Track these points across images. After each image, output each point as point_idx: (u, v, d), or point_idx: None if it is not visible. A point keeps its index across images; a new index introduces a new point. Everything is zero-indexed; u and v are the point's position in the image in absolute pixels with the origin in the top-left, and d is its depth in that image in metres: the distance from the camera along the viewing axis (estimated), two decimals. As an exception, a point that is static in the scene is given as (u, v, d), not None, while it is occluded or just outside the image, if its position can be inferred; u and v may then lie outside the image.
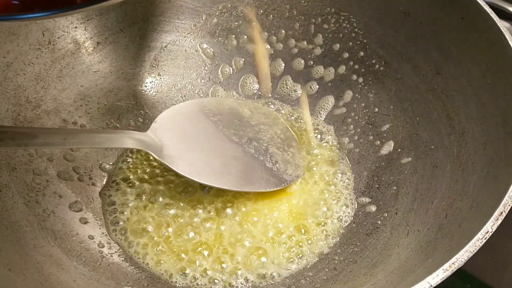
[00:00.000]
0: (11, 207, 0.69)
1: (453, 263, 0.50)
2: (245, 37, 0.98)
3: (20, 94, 0.79)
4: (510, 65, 0.68)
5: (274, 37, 0.97)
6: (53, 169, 0.80)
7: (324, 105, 0.95)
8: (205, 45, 0.98)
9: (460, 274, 0.80)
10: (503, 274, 0.84)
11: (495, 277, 0.84)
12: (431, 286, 0.48)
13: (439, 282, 0.49)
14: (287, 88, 0.98)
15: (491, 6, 0.72)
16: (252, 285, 0.73)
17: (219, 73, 0.99)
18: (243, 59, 0.99)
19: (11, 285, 0.53)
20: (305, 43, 0.96)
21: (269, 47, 0.97)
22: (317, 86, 0.96)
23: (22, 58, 0.80)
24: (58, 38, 0.86)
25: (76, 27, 0.87)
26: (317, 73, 0.96)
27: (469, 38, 0.75)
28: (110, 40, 0.91)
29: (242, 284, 0.73)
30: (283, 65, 0.98)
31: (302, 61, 0.96)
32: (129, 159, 0.88)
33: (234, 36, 0.98)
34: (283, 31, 0.96)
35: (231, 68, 0.99)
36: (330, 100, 0.94)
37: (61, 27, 0.86)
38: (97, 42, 0.90)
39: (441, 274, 0.49)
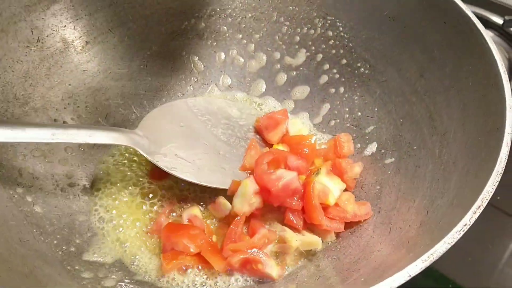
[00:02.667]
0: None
1: (431, 254, 0.51)
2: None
3: (8, 90, 0.79)
4: (491, 67, 0.70)
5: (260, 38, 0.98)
6: (40, 165, 0.80)
7: (310, 107, 0.97)
8: (194, 49, 1.00)
9: (440, 279, 0.82)
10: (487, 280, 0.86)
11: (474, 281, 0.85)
12: (410, 276, 0.49)
13: (418, 272, 0.50)
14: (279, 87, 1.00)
15: (476, 15, 0.74)
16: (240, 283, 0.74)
17: (207, 74, 1.00)
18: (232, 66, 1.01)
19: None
20: (290, 46, 0.98)
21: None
22: (305, 89, 0.97)
23: (10, 55, 0.81)
24: (47, 36, 0.86)
25: (65, 26, 0.88)
26: (301, 75, 0.98)
27: (452, 42, 0.77)
28: (98, 39, 0.92)
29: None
30: (270, 59, 1.00)
31: (284, 70, 0.98)
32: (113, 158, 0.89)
33: (222, 40, 1.00)
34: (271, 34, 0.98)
35: (218, 67, 1.01)
36: (316, 102, 0.96)
37: (50, 25, 0.86)
38: (86, 42, 0.91)
39: (420, 264, 0.50)
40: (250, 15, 0.98)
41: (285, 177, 0.76)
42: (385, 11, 0.85)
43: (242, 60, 1.02)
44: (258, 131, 0.94)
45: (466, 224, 0.53)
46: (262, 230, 0.75)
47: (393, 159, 0.81)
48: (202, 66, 1.01)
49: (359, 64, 0.91)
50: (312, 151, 0.86)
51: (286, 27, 0.97)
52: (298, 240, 0.75)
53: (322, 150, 0.88)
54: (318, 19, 0.94)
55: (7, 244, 0.64)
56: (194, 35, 0.99)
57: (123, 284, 0.71)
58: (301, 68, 0.98)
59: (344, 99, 0.93)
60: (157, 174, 0.84)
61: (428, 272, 0.51)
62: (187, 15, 0.97)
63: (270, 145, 0.90)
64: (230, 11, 0.98)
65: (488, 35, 0.72)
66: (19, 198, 0.73)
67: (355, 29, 0.91)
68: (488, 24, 1.21)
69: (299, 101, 0.99)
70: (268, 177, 0.76)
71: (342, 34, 0.92)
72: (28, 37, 0.83)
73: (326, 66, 0.96)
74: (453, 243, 0.52)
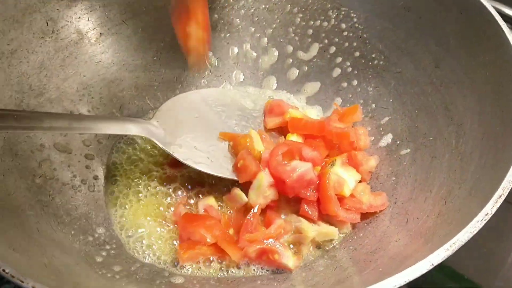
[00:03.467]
0: (14, 191, 0.70)
1: (453, 243, 0.51)
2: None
3: (24, 81, 0.80)
4: (507, 57, 0.69)
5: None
6: (58, 157, 0.80)
7: (323, 98, 0.97)
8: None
9: (452, 275, 0.82)
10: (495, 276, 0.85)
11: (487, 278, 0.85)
12: (433, 264, 0.49)
13: (440, 261, 0.50)
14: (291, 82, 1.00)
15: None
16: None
17: (220, 66, 1.00)
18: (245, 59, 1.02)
19: (16, 263, 0.53)
20: (303, 38, 0.97)
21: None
22: (319, 82, 0.97)
23: (26, 46, 0.81)
24: (62, 27, 0.86)
25: (79, 17, 0.88)
26: (314, 69, 0.97)
27: (468, 32, 0.76)
28: (112, 31, 0.92)
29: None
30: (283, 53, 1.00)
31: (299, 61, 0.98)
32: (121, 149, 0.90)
33: (235, 32, 1.00)
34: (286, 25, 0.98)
35: (231, 62, 1.01)
36: (329, 94, 0.96)
37: (64, 17, 0.86)
38: (100, 33, 0.91)
39: (443, 253, 0.50)
40: (263, 6, 0.98)
41: (300, 168, 0.76)
42: (400, 1, 0.85)
43: (255, 54, 1.01)
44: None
45: (487, 213, 0.53)
46: (278, 221, 0.75)
47: (408, 150, 0.81)
48: (215, 58, 1.01)
49: (373, 55, 0.90)
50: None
51: (299, 19, 0.97)
52: (314, 230, 0.75)
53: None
54: (332, 11, 0.94)
55: (26, 234, 0.65)
56: (207, 26, 0.99)
57: (139, 273, 0.71)
58: (314, 60, 0.98)
59: (359, 90, 0.92)
60: (173, 163, 0.84)
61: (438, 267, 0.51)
62: (201, 7, 0.97)
63: (284, 136, 0.90)
64: (243, 2, 0.98)
65: (505, 25, 0.71)
66: (37, 189, 0.73)
67: (369, 20, 0.91)
68: (503, 17, 1.20)
69: (311, 95, 0.98)
70: (283, 168, 0.76)
71: (357, 25, 0.92)
72: (43, 28, 0.84)
73: (339, 59, 0.95)
74: (475, 232, 0.52)
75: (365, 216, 0.77)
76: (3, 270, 0.49)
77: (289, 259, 0.72)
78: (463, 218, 0.58)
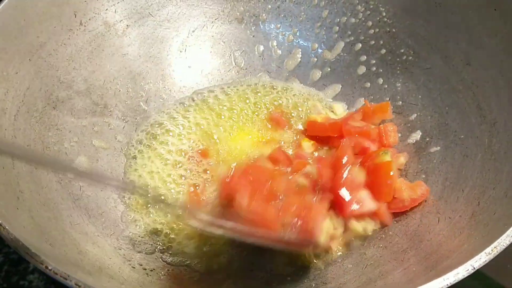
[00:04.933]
0: (46, 185, 0.70)
1: (495, 247, 0.51)
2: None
3: (53, 74, 0.80)
4: (544, 56, 0.68)
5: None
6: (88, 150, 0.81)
7: (350, 93, 0.96)
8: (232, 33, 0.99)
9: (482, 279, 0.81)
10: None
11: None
12: (474, 268, 0.49)
13: (482, 265, 0.50)
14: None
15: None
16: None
17: (246, 59, 1.00)
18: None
19: (55, 258, 0.53)
20: (331, 32, 0.97)
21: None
22: (342, 81, 0.96)
23: (55, 39, 0.81)
24: (89, 19, 0.86)
25: (106, 9, 0.88)
26: (339, 66, 0.97)
27: (502, 29, 0.75)
28: (139, 23, 0.92)
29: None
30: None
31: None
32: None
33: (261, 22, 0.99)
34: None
35: (256, 53, 1.00)
36: (357, 89, 0.95)
37: (92, 9, 0.86)
38: (127, 25, 0.91)
39: (484, 257, 0.50)
40: (290, -1, 0.97)
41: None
42: (431, -4, 0.84)
43: (280, 52, 1.01)
44: None
45: (529, 216, 0.53)
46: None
47: (438, 147, 0.80)
48: (240, 52, 1.00)
49: (402, 51, 0.89)
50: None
51: (326, 12, 0.96)
52: (341, 227, 0.75)
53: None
54: (360, 5, 0.93)
55: (60, 228, 0.65)
56: (233, 18, 0.98)
57: (172, 266, 0.72)
58: (340, 56, 0.97)
59: (386, 86, 0.91)
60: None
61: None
62: (227, -2, 0.97)
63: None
64: (270, -5, 0.98)
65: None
66: (68, 182, 0.74)
67: (398, 15, 0.90)
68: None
69: (338, 92, 0.97)
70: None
71: (385, 19, 0.91)
72: (71, 21, 0.84)
73: (364, 57, 0.94)
74: (517, 236, 0.52)
75: (394, 214, 0.77)
76: (46, 267, 0.49)
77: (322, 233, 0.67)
78: (500, 220, 0.58)
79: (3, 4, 0.74)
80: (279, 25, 0.99)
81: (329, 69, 0.97)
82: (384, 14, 0.91)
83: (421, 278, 0.56)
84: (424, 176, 0.79)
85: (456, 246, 0.61)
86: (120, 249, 0.70)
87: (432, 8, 0.84)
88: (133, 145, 0.87)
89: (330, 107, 0.94)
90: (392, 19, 0.90)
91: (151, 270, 0.69)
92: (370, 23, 0.93)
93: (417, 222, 0.73)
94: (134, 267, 0.67)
